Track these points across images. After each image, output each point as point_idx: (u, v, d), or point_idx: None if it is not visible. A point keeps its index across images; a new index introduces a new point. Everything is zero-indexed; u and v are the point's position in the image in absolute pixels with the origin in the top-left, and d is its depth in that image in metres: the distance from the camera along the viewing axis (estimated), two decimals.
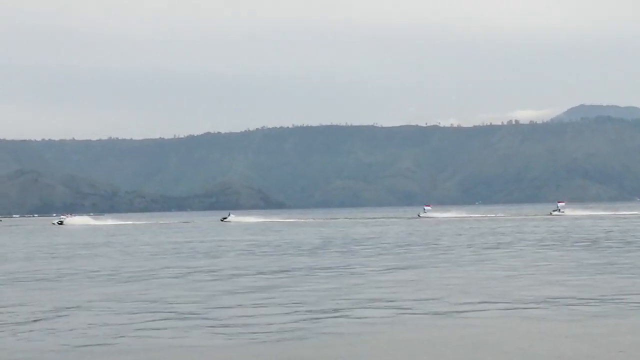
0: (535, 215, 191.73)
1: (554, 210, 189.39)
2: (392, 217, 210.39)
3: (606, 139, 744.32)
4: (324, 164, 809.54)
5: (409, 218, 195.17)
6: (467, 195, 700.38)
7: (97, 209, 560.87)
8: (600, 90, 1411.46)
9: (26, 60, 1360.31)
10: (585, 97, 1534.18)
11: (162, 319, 29.96)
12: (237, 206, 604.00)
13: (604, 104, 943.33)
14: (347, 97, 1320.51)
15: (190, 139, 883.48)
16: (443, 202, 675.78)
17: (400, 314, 30.21)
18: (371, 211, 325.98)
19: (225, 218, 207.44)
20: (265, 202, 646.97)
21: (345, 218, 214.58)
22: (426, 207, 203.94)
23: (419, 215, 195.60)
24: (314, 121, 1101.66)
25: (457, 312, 30.21)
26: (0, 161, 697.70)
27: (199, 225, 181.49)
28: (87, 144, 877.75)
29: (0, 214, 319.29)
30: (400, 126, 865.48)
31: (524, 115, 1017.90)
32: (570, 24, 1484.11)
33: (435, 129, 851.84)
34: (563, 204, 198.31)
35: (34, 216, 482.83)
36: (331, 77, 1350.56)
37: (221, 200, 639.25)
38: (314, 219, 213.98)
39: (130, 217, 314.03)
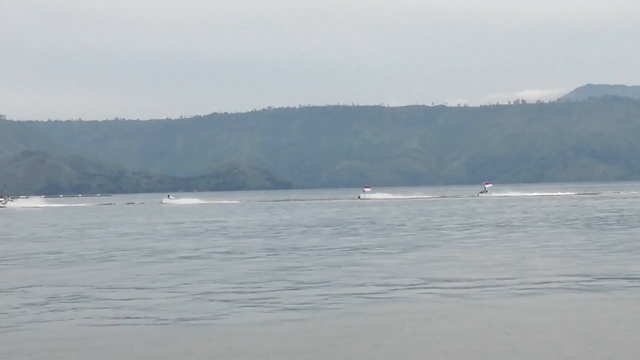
0: (470, 196, 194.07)
1: (481, 192, 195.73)
2: (332, 199, 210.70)
3: (613, 119, 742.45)
4: (331, 144, 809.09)
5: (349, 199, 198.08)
6: (474, 175, 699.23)
7: (104, 190, 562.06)
8: (607, 70, 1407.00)
9: (32, 42, 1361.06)
10: (592, 77, 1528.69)
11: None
12: (243, 186, 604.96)
13: (611, 84, 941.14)
14: (354, 77, 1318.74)
15: (197, 119, 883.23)
16: (449, 182, 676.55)
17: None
18: (314, 193, 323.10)
19: (165, 201, 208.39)
20: (272, 183, 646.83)
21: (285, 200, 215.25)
22: (366, 189, 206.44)
23: (359, 197, 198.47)
24: (320, 101, 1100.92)
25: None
26: (6, 142, 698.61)
27: (135, 208, 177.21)
28: (94, 125, 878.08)
29: (7, 196, 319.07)
30: (407, 106, 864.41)
31: (531, 95, 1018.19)
32: (577, 4, 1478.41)
33: (442, 108, 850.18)
34: (490, 185, 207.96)
35: (42, 197, 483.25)
36: (337, 58, 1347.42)
37: (228, 180, 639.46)
38: (249, 200, 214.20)
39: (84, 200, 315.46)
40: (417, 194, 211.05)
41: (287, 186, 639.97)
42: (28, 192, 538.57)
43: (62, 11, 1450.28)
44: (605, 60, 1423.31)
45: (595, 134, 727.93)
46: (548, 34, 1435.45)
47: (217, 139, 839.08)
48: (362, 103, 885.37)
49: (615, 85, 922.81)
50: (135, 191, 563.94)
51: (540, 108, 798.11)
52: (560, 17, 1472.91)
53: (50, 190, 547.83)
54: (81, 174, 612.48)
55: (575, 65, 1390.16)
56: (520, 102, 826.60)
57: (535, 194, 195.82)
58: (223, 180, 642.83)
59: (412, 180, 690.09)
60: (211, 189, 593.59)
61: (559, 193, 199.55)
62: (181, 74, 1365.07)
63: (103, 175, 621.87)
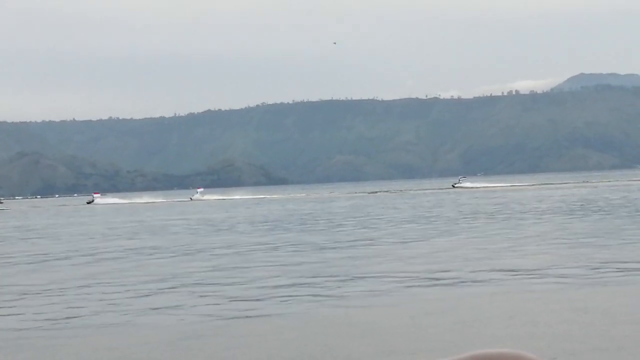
0: (441, 188, 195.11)
1: (455, 183, 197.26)
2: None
3: (606, 107, 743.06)
4: (325, 139, 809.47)
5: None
6: (469, 167, 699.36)
7: (99, 189, 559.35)
8: (599, 59, 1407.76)
9: (25, 42, 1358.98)
10: (585, 66, 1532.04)
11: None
12: (239, 183, 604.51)
13: (604, 72, 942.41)
14: (347, 71, 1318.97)
15: (191, 117, 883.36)
16: (444, 174, 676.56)
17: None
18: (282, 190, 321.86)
19: (90, 201, 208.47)
20: (267, 179, 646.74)
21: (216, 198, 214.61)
22: (199, 190, 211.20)
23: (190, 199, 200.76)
24: (314, 96, 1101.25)
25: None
26: (1, 144, 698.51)
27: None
28: (88, 124, 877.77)
29: (2, 197, 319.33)
30: (401, 99, 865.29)
31: (524, 85, 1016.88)
32: None
33: (435, 101, 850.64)
34: (464, 177, 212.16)
35: (36, 197, 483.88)
36: (330, 52, 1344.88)
37: (223, 177, 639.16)
38: (173, 200, 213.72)
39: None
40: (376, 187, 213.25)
41: (282, 182, 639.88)
42: (23, 193, 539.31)
43: (54, 11, 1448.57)
44: (597, 49, 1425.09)
45: (588, 123, 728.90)
46: (540, 24, 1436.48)
47: (212, 136, 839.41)
48: (356, 97, 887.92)
49: (608, 74, 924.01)
50: (131, 190, 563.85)
51: (533, 98, 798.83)
52: (552, 7, 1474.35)
53: (46, 190, 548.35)
54: (76, 173, 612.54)
55: (568, 55, 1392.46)
56: (514, 93, 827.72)
57: (506, 184, 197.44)
58: (218, 177, 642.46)
59: (407, 173, 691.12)
60: (207, 186, 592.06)
61: (525, 184, 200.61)
62: (174, 71, 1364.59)
63: (98, 174, 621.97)
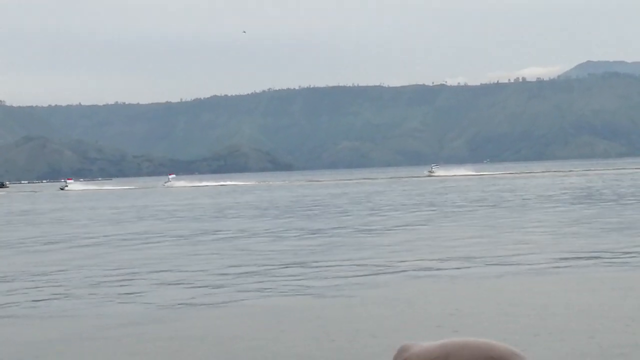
0: (411, 177, 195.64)
1: (428, 171, 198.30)
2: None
3: (614, 95, 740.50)
4: (332, 125, 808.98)
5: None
6: (475, 154, 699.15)
7: (105, 174, 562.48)
8: (607, 46, 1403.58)
9: (31, 26, 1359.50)
10: (592, 54, 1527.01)
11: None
12: (245, 169, 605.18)
13: (611, 60, 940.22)
14: (354, 57, 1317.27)
15: (197, 102, 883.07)
16: (450, 161, 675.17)
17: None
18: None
19: (63, 188, 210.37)
20: (274, 165, 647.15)
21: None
22: (170, 176, 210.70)
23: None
24: (320, 82, 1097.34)
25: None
26: (7, 128, 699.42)
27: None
28: (94, 109, 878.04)
29: (8, 181, 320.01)
30: (407, 85, 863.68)
31: (531, 72, 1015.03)
32: None
33: (442, 87, 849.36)
34: (437, 165, 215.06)
35: (42, 182, 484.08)
36: (337, 38, 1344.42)
37: (229, 163, 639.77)
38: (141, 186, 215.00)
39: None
40: (355, 177, 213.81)
41: (288, 167, 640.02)
42: (29, 177, 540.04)
43: None
44: (605, 37, 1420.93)
45: (595, 110, 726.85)
46: (548, 11, 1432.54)
47: (218, 122, 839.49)
48: (363, 83, 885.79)
49: (615, 62, 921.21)
50: (137, 175, 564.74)
51: (540, 86, 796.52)
52: None
53: (52, 175, 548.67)
54: (82, 158, 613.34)
55: (576, 42, 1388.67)
56: (521, 80, 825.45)
57: (474, 173, 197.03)
58: (224, 163, 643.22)
59: (414, 160, 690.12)
60: (213, 172, 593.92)
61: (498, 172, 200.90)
62: (181, 56, 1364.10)
63: (104, 159, 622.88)
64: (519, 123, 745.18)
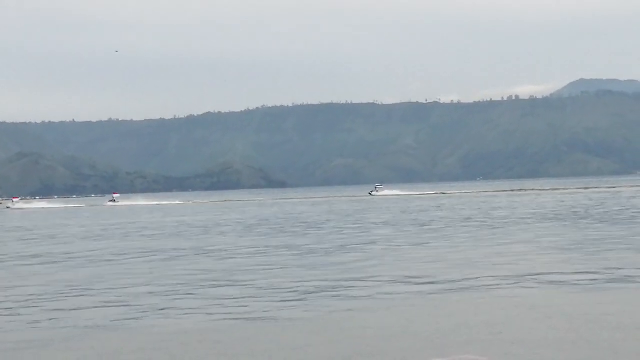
0: (354, 196, 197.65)
1: (371, 191, 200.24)
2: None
3: (607, 113, 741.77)
4: (325, 142, 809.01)
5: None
6: (469, 172, 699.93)
7: (99, 191, 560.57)
8: (600, 65, 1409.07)
9: (25, 43, 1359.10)
10: (585, 72, 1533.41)
11: None
12: (238, 185, 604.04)
13: (604, 78, 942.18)
14: (347, 74, 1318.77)
15: (191, 119, 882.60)
16: (444, 178, 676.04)
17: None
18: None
19: (8, 206, 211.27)
20: (267, 182, 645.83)
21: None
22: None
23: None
24: (314, 99, 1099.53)
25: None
26: (0, 144, 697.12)
27: None
28: (88, 126, 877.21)
29: (1, 197, 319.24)
30: (401, 103, 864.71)
31: (524, 90, 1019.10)
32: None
33: (435, 105, 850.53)
34: (381, 185, 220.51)
35: (35, 199, 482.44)
36: (331, 56, 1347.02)
37: (223, 180, 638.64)
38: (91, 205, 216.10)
39: None
40: (322, 194, 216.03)
41: (281, 185, 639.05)
42: (22, 193, 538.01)
43: (55, 13, 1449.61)
44: (598, 55, 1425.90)
45: (588, 128, 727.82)
46: (541, 30, 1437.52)
47: (211, 139, 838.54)
48: (356, 100, 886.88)
49: (608, 80, 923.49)
50: (130, 191, 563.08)
51: (533, 103, 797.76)
52: (553, 13, 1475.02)
53: (45, 191, 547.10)
54: (76, 174, 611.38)
55: (568, 60, 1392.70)
56: (514, 98, 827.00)
57: (417, 192, 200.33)
58: (218, 180, 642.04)
59: (407, 177, 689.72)
60: (206, 189, 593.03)
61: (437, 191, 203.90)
62: (174, 73, 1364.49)
63: (97, 175, 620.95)
64: (512, 141, 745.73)
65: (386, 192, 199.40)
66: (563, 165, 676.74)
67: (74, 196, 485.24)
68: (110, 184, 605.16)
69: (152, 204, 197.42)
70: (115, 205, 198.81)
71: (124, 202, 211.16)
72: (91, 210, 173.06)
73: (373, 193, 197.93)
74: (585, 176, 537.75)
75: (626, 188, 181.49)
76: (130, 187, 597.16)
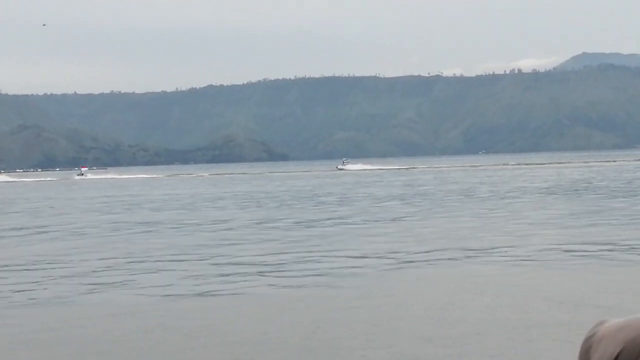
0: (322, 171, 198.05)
1: (338, 166, 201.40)
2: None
3: (609, 87, 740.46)
4: (327, 115, 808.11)
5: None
6: (471, 145, 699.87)
7: (100, 163, 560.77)
8: (602, 38, 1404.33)
9: (28, 15, 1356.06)
10: (588, 45, 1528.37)
11: None
12: (240, 159, 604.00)
13: (607, 52, 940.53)
14: (349, 48, 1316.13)
15: (193, 91, 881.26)
16: (446, 152, 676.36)
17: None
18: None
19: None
20: (269, 155, 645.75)
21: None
22: None
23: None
24: (316, 73, 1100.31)
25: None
26: (2, 116, 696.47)
27: None
28: (90, 98, 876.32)
29: (3, 170, 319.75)
30: (403, 76, 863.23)
31: (527, 64, 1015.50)
32: None
33: (437, 78, 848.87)
34: (348, 160, 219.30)
35: (37, 170, 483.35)
36: (333, 29, 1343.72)
37: (224, 152, 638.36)
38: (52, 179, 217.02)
39: None
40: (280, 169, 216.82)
41: (283, 157, 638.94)
42: (24, 165, 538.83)
43: None
44: (600, 29, 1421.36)
45: (591, 102, 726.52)
46: (544, 3, 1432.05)
47: (213, 111, 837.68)
48: (358, 74, 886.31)
49: (611, 54, 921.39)
50: (131, 164, 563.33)
51: (536, 77, 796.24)
52: None
53: (47, 163, 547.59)
54: (77, 147, 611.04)
55: (571, 34, 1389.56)
56: (516, 72, 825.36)
57: (384, 167, 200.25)
58: (220, 152, 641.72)
59: (409, 150, 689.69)
60: (208, 161, 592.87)
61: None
62: (177, 46, 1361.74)
63: (99, 148, 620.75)
64: (515, 114, 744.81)
65: (353, 166, 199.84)
66: (565, 139, 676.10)
67: (39, 170, 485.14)
68: (112, 156, 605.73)
69: (122, 177, 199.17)
70: (83, 179, 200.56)
71: (93, 175, 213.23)
72: (61, 183, 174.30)
73: (340, 167, 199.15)
74: (588, 150, 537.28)
75: (627, 162, 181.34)
76: (132, 160, 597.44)
